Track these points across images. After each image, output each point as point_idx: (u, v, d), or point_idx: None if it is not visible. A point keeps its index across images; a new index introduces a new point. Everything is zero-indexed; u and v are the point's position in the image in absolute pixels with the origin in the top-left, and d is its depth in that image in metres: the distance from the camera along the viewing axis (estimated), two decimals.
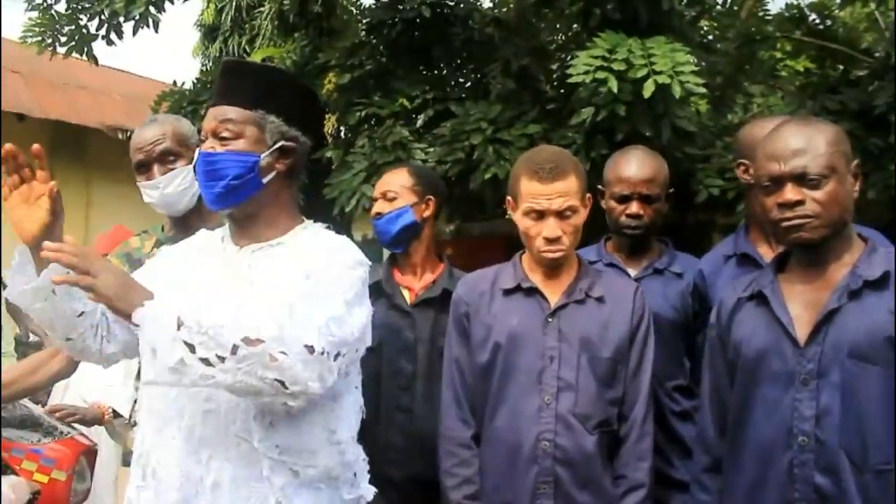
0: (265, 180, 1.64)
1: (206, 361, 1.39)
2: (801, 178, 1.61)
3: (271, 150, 1.64)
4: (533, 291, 2.01)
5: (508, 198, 2.05)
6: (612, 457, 1.95)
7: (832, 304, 1.60)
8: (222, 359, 1.39)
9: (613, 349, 1.96)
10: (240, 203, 1.64)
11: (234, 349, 1.40)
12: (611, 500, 1.92)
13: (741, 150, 2.25)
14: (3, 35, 4.18)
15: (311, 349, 1.44)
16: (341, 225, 6.26)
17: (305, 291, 1.52)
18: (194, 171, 1.70)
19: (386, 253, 2.57)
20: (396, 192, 2.44)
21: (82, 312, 1.59)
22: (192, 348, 1.39)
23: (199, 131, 1.87)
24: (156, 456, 1.57)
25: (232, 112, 1.63)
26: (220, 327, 1.41)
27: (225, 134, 1.62)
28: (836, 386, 1.57)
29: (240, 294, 1.59)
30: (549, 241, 1.93)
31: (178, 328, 1.40)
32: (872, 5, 5.49)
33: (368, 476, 1.70)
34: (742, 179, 2.23)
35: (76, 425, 2.94)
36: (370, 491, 1.68)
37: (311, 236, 1.69)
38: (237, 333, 1.41)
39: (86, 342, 1.63)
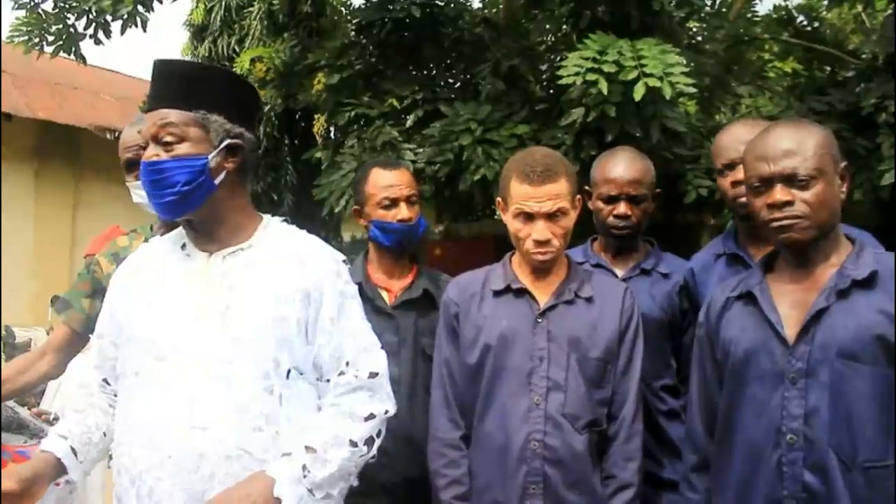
0: (217, 182, 1.59)
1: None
2: (790, 179, 1.62)
3: (218, 150, 1.58)
4: (522, 292, 2.01)
5: (498, 199, 2.05)
6: (602, 456, 1.96)
7: (820, 303, 1.61)
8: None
9: (602, 349, 1.96)
10: (195, 209, 1.59)
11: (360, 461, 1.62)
12: (600, 499, 1.92)
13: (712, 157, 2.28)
14: None
15: (373, 415, 1.64)
16: (330, 226, 6.26)
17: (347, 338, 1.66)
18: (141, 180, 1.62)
19: None
20: (417, 196, 2.42)
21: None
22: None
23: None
24: (152, 476, 1.53)
25: (172, 115, 1.56)
26: (343, 466, 1.57)
27: (167, 138, 1.55)
28: (825, 385, 1.58)
29: (220, 303, 1.58)
30: (539, 243, 1.93)
31: (316, 487, 1.53)
32: (859, 7, 5.53)
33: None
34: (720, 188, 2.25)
35: None
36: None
37: (280, 236, 1.69)
38: (347, 462, 1.58)
39: (100, 451, 1.72)
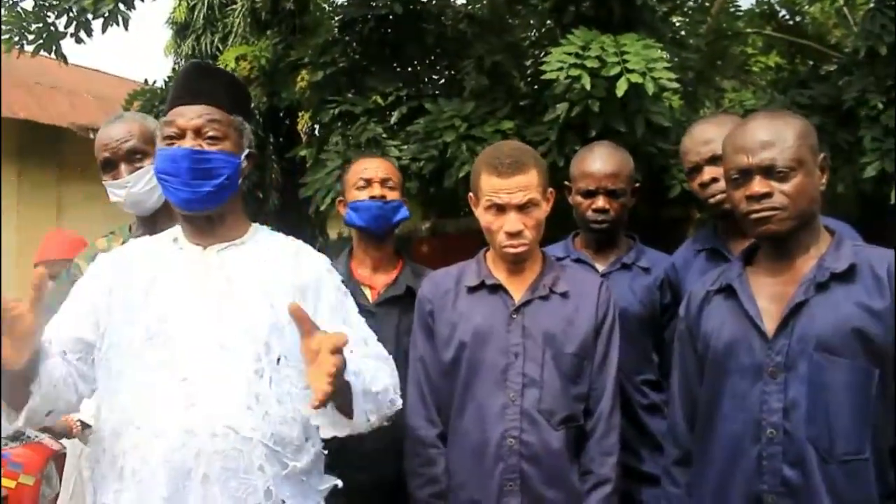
0: (238, 183, 1.68)
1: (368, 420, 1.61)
2: (769, 171, 1.62)
3: (245, 155, 1.68)
4: (497, 288, 2.00)
5: (470, 194, 2.05)
6: (579, 452, 1.95)
7: (799, 296, 1.61)
8: (378, 419, 1.65)
9: (578, 345, 1.96)
10: (221, 203, 1.65)
11: (388, 408, 1.67)
12: (577, 495, 1.91)
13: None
14: None
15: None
16: (316, 223, 6.24)
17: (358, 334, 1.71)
18: (162, 169, 1.63)
19: None
20: (395, 183, 2.44)
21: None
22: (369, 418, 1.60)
23: None
24: (136, 454, 1.52)
25: (216, 113, 1.63)
26: (384, 394, 1.64)
27: (213, 133, 1.62)
28: (804, 378, 1.58)
29: (215, 291, 1.61)
30: (511, 235, 1.93)
31: (364, 397, 1.57)
32: (841, 1, 5.55)
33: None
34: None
35: None
36: (333, 479, 1.70)
37: (270, 237, 1.76)
38: (387, 395, 1.65)
39: (67, 402, 1.57)
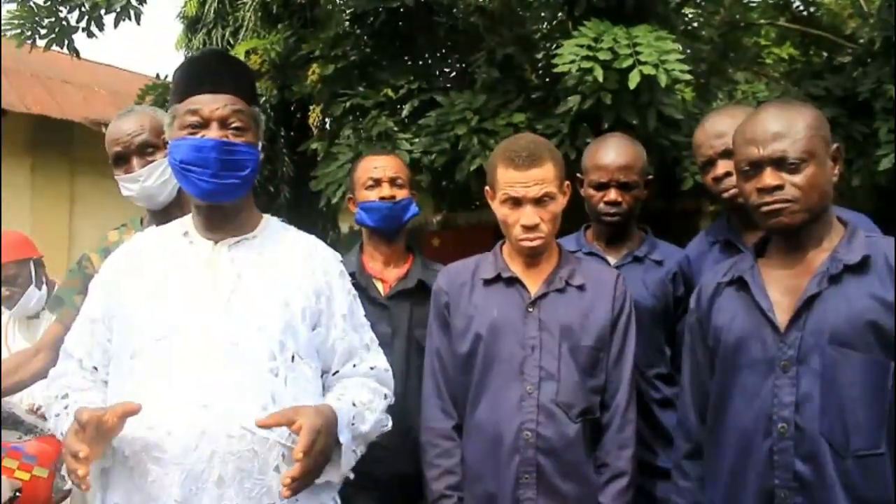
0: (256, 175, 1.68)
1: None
2: (780, 163, 1.60)
3: (260, 146, 1.67)
4: (513, 281, 2.00)
5: (486, 188, 2.04)
6: (595, 445, 1.95)
7: (812, 289, 1.59)
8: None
9: (594, 337, 1.95)
10: (241, 196, 1.64)
11: (378, 432, 1.72)
12: (593, 488, 1.91)
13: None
14: None
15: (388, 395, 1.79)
16: (328, 217, 6.25)
17: (355, 338, 1.75)
18: (186, 159, 1.59)
19: None
20: (404, 180, 2.45)
21: None
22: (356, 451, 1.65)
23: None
24: (149, 455, 1.50)
25: (240, 103, 1.60)
26: (375, 425, 1.69)
27: (237, 124, 1.59)
28: (817, 372, 1.56)
29: (227, 288, 1.60)
30: (528, 228, 1.92)
31: (353, 439, 1.60)
32: None
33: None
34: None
35: None
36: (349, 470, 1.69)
37: (282, 231, 1.75)
38: (378, 425, 1.71)
39: None
